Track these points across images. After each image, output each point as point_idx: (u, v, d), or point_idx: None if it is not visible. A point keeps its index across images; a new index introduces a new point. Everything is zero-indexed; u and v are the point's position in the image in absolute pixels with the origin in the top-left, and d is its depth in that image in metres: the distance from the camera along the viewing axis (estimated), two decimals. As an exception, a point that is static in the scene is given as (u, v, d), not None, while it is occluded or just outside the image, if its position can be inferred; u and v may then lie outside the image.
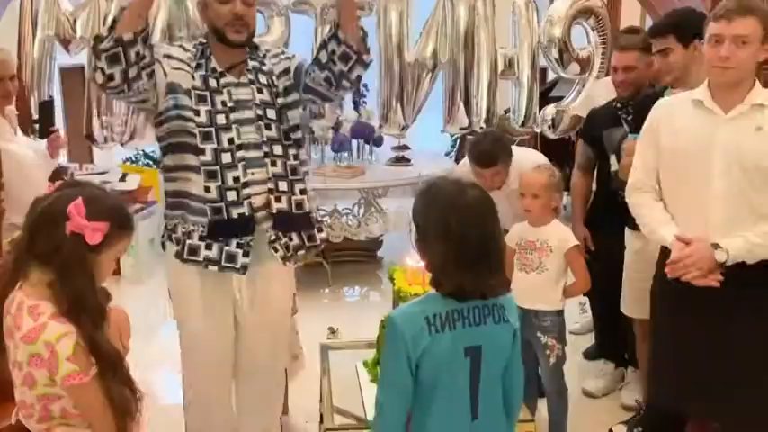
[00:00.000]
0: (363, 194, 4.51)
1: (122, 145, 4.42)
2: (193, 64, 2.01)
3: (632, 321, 2.74)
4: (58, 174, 4.20)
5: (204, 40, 2.07)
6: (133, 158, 5.61)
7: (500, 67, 4.20)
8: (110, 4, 4.17)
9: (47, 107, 2.93)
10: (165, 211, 2.10)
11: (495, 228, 1.50)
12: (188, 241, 1.98)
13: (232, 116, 1.99)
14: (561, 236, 2.47)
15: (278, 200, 2.01)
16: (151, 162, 5.51)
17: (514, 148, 2.96)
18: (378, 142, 4.74)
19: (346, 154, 4.62)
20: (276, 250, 2.03)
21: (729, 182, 1.93)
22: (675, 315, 2.10)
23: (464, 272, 1.44)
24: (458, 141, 6.22)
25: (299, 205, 2.05)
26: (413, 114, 4.30)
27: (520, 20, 4.44)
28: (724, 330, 1.99)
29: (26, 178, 2.73)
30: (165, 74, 1.97)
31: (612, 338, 3.14)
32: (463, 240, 1.43)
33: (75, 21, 4.21)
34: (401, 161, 4.73)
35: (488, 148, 2.84)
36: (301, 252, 2.10)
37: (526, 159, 2.88)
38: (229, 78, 2.03)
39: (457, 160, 5.10)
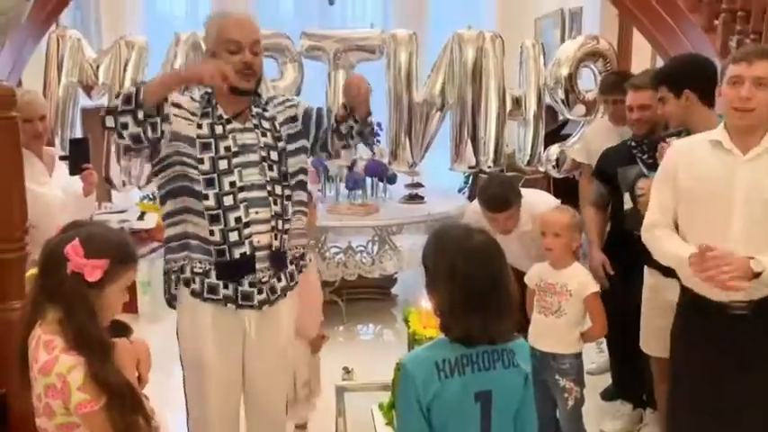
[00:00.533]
0: (377, 232, 4.53)
1: (140, 188, 4.51)
2: (200, 113, 2.08)
3: (650, 360, 2.72)
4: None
5: (210, 90, 2.12)
6: (151, 196, 5.69)
7: (508, 107, 4.26)
8: (130, 51, 4.31)
9: (81, 145, 2.97)
10: (168, 256, 2.13)
11: (502, 271, 1.51)
12: (206, 280, 2.05)
13: (235, 160, 2.05)
14: (581, 280, 2.48)
15: (275, 237, 2.09)
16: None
17: (524, 191, 2.98)
18: (391, 180, 4.78)
19: (360, 192, 4.66)
20: (261, 292, 2.09)
21: (750, 221, 1.94)
22: (696, 358, 2.09)
23: (472, 316, 1.45)
24: (470, 178, 6.26)
25: (284, 244, 2.14)
26: (421, 152, 4.36)
27: (527, 60, 4.51)
28: (746, 378, 1.98)
29: (52, 220, 2.78)
30: (169, 122, 2.02)
31: (630, 378, 3.11)
32: (470, 284, 1.45)
33: (97, 67, 4.36)
34: (414, 199, 4.76)
35: (498, 192, 2.84)
36: (282, 293, 2.16)
37: (538, 201, 2.90)
38: (235, 125, 2.10)
39: (470, 197, 5.13)
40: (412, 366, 1.47)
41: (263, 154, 2.10)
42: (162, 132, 1.97)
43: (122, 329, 1.68)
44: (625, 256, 2.76)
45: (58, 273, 1.51)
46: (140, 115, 1.90)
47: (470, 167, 4.42)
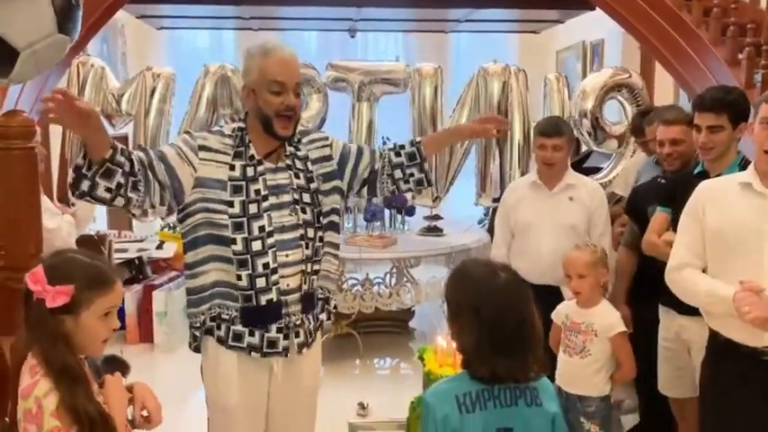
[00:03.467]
0: (395, 264, 4.49)
1: (162, 219, 4.54)
2: (232, 153, 1.99)
3: (670, 401, 2.66)
4: (95, 242, 4.31)
5: (243, 125, 2.03)
6: (171, 225, 5.72)
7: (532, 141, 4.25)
8: (156, 81, 4.38)
9: None
10: (191, 310, 2.04)
11: (528, 311, 1.49)
12: (232, 327, 1.99)
13: (264, 204, 1.99)
14: (608, 321, 2.41)
15: (305, 281, 2.03)
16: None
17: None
18: (410, 212, 4.75)
19: (379, 223, 4.63)
20: (297, 335, 2.04)
21: None
22: (728, 405, 1.99)
23: (498, 357, 1.43)
24: (490, 210, 6.23)
25: (312, 284, 2.09)
26: (445, 186, 4.33)
27: (551, 92, 4.50)
28: None
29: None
30: (194, 169, 1.95)
31: (656, 419, 3.00)
32: (496, 325, 1.43)
33: (121, 96, 4.43)
34: (433, 231, 4.71)
35: (554, 120, 3.24)
36: (309, 337, 2.10)
37: (589, 181, 3.08)
38: (267, 165, 2.03)
39: (489, 230, 5.07)
40: (432, 401, 1.45)
41: (296, 196, 2.03)
42: (155, 182, 1.87)
43: (120, 366, 1.66)
44: (654, 295, 2.68)
45: (29, 300, 1.53)
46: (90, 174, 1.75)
47: (495, 201, 4.37)
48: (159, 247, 5.00)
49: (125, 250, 4.90)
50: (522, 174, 4.17)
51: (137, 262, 4.88)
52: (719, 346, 2.02)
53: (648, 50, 4.55)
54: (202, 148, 1.97)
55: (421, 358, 2.39)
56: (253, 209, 1.97)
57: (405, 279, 4.44)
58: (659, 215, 2.60)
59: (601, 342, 2.38)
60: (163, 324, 4.51)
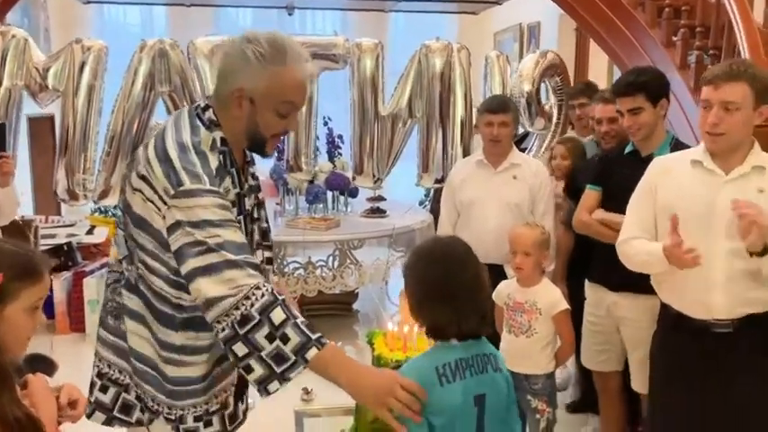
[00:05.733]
0: (338, 246, 4.43)
1: (95, 203, 4.31)
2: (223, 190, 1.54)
3: (593, 373, 2.74)
4: (20, 227, 4.07)
5: (224, 148, 1.56)
6: (102, 209, 5.48)
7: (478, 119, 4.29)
8: (87, 54, 4.10)
9: None
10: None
11: (481, 266, 1.54)
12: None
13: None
14: (551, 298, 2.42)
15: None
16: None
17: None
18: (353, 193, 4.69)
19: (321, 205, 4.56)
20: None
21: (732, 242, 1.89)
22: (677, 378, 2.05)
23: (461, 317, 1.48)
24: (431, 192, 6.25)
25: None
26: (387, 167, 4.28)
27: (492, 71, 4.51)
28: (728, 394, 1.95)
29: None
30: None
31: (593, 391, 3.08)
32: (459, 290, 1.47)
33: (47, 70, 4.12)
34: (376, 212, 4.67)
35: (500, 97, 3.32)
36: None
37: (533, 161, 3.13)
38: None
39: (432, 211, 5.08)
40: (412, 375, 1.45)
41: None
42: None
43: (45, 365, 1.52)
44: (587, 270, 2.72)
45: None
46: None
47: (437, 182, 4.36)
48: (90, 231, 4.79)
49: (53, 236, 4.67)
50: (465, 153, 4.17)
51: (65, 248, 4.65)
52: (670, 320, 2.07)
53: (586, 31, 4.62)
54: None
55: (370, 343, 2.34)
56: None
57: (348, 261, 4.39)
58: (589, 193, 2.64)
59: (545, 320, 2.39)
60: (95, 313, 4.31)
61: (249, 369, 1.43)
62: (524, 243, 2.42)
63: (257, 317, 1.40)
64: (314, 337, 1.42)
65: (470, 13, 7.74)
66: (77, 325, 4.36)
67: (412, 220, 4.48)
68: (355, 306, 4.80)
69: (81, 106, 4.07)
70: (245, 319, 1.40)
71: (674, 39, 3.60)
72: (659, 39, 3.71)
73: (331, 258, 4.50)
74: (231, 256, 1.43)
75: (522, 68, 4.56)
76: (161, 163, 1.49)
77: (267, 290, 1.43)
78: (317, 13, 7.82)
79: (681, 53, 3.53)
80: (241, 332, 1.41)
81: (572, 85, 4.66)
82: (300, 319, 1.44)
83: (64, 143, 4.10)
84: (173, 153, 1.50)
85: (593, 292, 2.63)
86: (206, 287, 1.42)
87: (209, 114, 1.58)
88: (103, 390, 1.68)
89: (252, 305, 1.41)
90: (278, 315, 1.41)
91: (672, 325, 2.08)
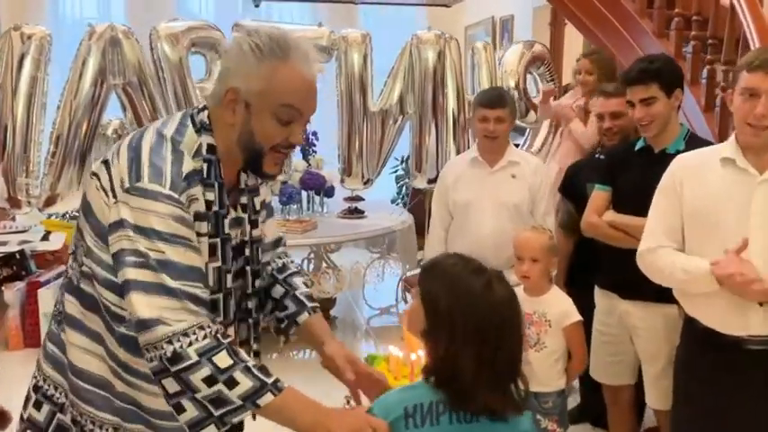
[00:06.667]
0: (314, 250, 4.19)
1: (40, 210, 3.95)
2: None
3: (602, 386, 2.56)
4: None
5: (212, 140, 1.34)
6: (59, 213, 5.11)
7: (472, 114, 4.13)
8: (28, 43, 3.74)
9: None
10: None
11: (521, 335, 1.33)
12: None
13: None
14: (561, 308, 2.23)
15: None
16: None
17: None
18: (329, 193, 4.45)
19: (296, 206, 4.30)
20: None
21: None
22: (702, 393, 1.88)
23: (485, 390, 1.22)
24: (404, 189, 6.07)
25: None
26: (377, 167, 4.05)
27: (480, 62, 4.34)
28: (758, 414, 1.79)
29: None
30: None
31: (596, 401, 2.91)
32: (494, 356, 1.23)
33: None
34: (354, 213, 4.44)
35: (496, 90, 3.08)
36: None
37: (531, 158, 2.93)
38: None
39: (411, 210, 4.87)
40: (378, 410, 1.27)
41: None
42: None
43: None
44: (591, 276, 2.54)
45: None
46: None
47: (430, 181, 4.13)
48: (45, 238, 4.42)
49: (4, 243, 4.30)
50: (458, 150, 3.97)
51: (18, 256, 4.30)
52: (697, 334, 1.89)
53: (572, 23, 4.46)
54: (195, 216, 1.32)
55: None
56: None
57: (325, 265, 4.15)
58: (598, 193, 2.46)
59: (556, 332, 2.21)
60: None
61: (180, 408, 1.23)
62: (532, 249, 2.22)
63: (195, 357, 1.22)
64: (269, 381, 1.24)
65: (442, 6, 7.54)
66: (31, 340, 4.01)
67: (393, 221, 4.27)
68: (333, 312, 4.56)
69: (22, 102, 3.69)
70: (177, 357, 1.21)
71: (667, 30, 3.47)
72: (651, 29, 3.57)
73: (306, 262, 4.26)
74: (168, 282, 1.23)
75: (505, 62, 4.39)
76: (130, 150, 1.31)
77: (211, 332, 1.25)
78: (285, 4, 7.52)
79: (676, 44, 3.39)
80: (172, 369, 1.22)
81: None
82: (252, 363, 1.26)
83: (2, 144, 3.73)
84: (146, 143, 1.31)
85: (603, 299, 2.45)
86: (139, 305, 1.23)
87: (203, 117, 1.35)
88: (37, 406, 1.44)
89: (190, 344, 1.22)
90: (222, 359, 1.23)
91: (698, 340, 1.90)
